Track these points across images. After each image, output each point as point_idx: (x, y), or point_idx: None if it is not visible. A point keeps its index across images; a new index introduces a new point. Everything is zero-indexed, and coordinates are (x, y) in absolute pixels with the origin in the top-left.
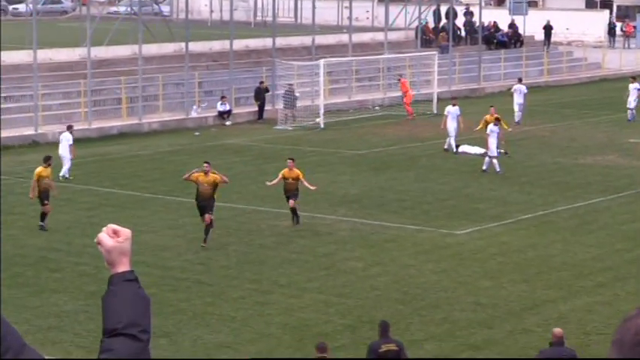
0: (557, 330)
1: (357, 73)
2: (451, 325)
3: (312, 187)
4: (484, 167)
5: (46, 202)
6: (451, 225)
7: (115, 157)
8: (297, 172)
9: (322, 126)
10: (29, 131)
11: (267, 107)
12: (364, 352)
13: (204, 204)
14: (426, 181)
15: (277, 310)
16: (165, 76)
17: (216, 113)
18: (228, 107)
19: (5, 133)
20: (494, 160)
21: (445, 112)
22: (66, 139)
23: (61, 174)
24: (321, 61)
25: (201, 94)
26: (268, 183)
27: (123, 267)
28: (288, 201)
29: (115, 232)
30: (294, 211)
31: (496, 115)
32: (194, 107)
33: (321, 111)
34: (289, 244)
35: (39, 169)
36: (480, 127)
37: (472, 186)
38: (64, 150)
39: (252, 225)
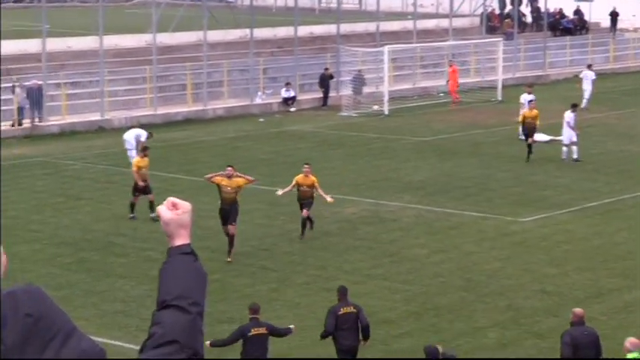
0: (578, 310)
1: (422, 60)
2: (515, 312)
3: (328, 199)
4: (563, 157)
5: (137, 193)
6: (516, 212)
7: (180, 143)
8: (312, 178)
9: (386, 112)
10: (95, 117)
11: (332, 94)
12: (429, 339)
13: (228, 210)
14: (490, 168)
15: None
16: (230, 63)
17: (280, 99)
18: (292, 93)
19: (72, 119)
20: (573, 147)
21: (521, 100)
22: (137, 132)
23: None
24: (386, 48)
25: (266, 81)
26: (279, 192)
27: (180, 240)
28: (301, 210)
29: (174, 205)
30: (308, 219)
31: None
32: (259, 93)
33: (386, 97)
34: (354, 230)
35: (137, 160)
36: (519, 119)
37: (537, 173)
38: (130, 137)
39: (316, 211)
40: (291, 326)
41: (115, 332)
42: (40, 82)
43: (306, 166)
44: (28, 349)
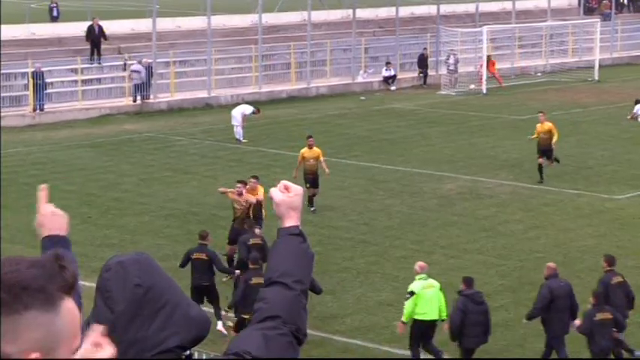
0: (552, 264)
1: (520, 40)
2: None
3: (327, 171)
4: None
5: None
6: (611, 190)
7: (284, 120)
8: (317, 151)
9: (485, 91)
10: (203, 94)
11: (431, 73)
12: (525, 312)
13: (237, 228)
14: (587, 146)
15: (438, 271)
16: (333, 42)
17: (381, 78)
18: (393, 72)
19: (180, 96)
20: None
21: (635, 111)
22: (244, 108)
23: (240, 138)
24: (485, 28)
25: (368, 60)
26: (294, 174)
27: (290, 221)
28: (308, 187)
29: (287, 188)
30: (313, 197)
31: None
32: (360, 72)
33: (484, 77)
34: (451, 206)
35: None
36: (534, 136)
37: (633, 152)
38: (237, 113)
39: (414, 187)
40: (237, 271)
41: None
42: (150, 61)
43: (310, 138)
44: (138, 317)
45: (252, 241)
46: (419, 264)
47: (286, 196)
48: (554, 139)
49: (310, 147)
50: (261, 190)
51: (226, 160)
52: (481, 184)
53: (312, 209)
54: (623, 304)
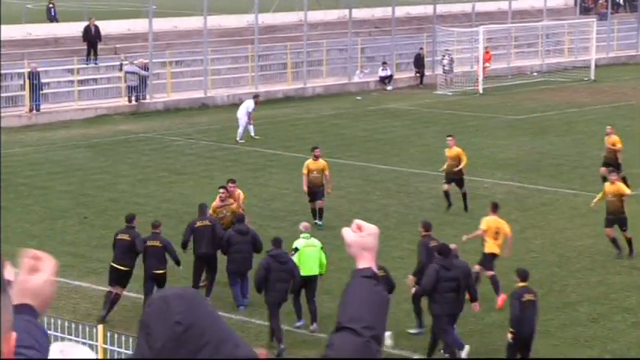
0: (453, 245)
1: (516, 40)
2: (606, 287)
3: (329, 189)
4: None
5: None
6: None
7: (280, 120)
8: (323, 163)
9: (481, 91)
10: (199, 94)
11: (427, 72)
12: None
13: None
14: (583, 146)
15: None
16: (329, 42)
17: (377, 78)
18: (389, 72)
19: (176, 96)
20: None
21: None
22: (246, 106)
23: (237, 138)
24: (481, 28)
25: (364, 60)
26: (305, 188)
27: (363, 262)
28: (313, 201)
29: (359, 227)
30: (320, 211)
31: None
32: (357, 72)
33: (480, 77)
34: (448, 206)
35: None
36: (444, 168)
37: (629, 151)
38: (241, 113)
39: (410, 187)
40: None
41: (216, 302)
42: (146, 61)
43: (316, 149)
44: (176, 356)
45: (198, 224)
46: (303, 224)
47: (358, 236)
48: (462, 164)
49: (316, 158)
50: (240, 193)
51: (222, 160)
52: (477, 184)
53: (316, 222)
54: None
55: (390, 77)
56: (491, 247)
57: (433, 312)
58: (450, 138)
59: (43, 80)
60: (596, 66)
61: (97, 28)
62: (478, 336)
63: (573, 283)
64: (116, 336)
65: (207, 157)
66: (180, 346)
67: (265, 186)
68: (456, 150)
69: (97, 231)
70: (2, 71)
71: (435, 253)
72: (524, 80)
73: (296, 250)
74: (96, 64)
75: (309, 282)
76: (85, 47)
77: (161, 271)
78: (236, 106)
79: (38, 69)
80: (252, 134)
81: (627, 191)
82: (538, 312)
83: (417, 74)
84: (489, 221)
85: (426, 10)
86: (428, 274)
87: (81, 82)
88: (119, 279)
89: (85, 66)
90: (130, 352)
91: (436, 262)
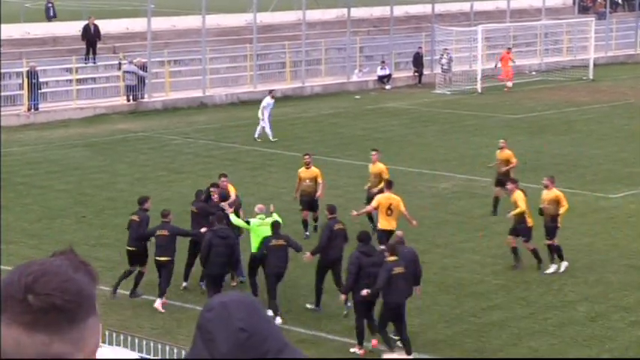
0: (399, 232)
1: (515, 39)
2: (604, 286)
3: (319, 192)
4: None
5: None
6: (606, 189)
7: (279, 119)
8: (315, 171)
9: (480, 90)
10: (197, 93)
11: (426, 72)
12: (518, 312)
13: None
14: (582, 145)
15: (433, 269)
16: (328, 41)
17: (376, 77)
18: (388, 71)
19: (175, 95)
20: None
21: None
22: (263, 105)
23: (255, 135)
24: (479, 27)
25: (362, 59)
26: (295, 195)
27: None
28: (305, 211)
29: None
30: (314, 220)
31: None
32: (355, 71)
33: (479, 76)
34: (446, 205)
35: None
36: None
37: (628, 150)
38: (261, 113)
39: (409, 186)
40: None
41: None
42: (144, 61)
43: (306, 156)
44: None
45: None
46: (258, 206)
47: None
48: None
49: (307, 166)
50: (232, 189)
51: (221, 159)
52: (476, 183)
53: (305, 234)
54: (342, 246)
55: (388, 76)
56: (384, 224)
57: (354, 299)
58: (374, 152)
59: (41, 79)
60: (594, 65)
61: (96, 27)
62: (423, 334)
63: (571, 282)
64: (114, 335)
65: (205, 155)
66: (244, 353)
67: (264, 185)
68: (379, 166)
69: (96, 230)
70: (1, 70)
71: (360, 244)
72: (523, 79)
73: (248, 222)
74: (94, 63)
75: (256, 260)
76: (84, 46)
77: (164, 259)
78: (234, 105)
79: (37, 68)
80: (270, 137)
81: (522, 207)
82: (410, 284)
83: (416, 73)
84: (381, 198)
85: (425, 9)
86: (351, 262)
87: (79, 82)
88: (134, 259)
89: (83, 65)
90: (127, 350)
91: (358, 248)
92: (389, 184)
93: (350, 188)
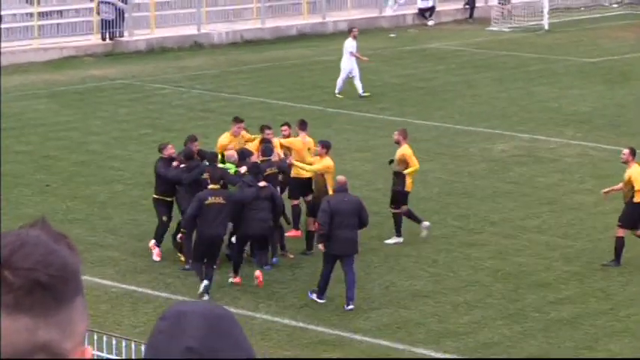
0: (341, 177)
1: None
2: None
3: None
4: None
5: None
6: None
7: (293, 64)
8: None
9: (547, 27)
10: (191, 31)
11: (479, 3)
12: (594, 306)
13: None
14: None
15: (487, 253)
16: None
17: (416, 10)
18: (431, 3)
19: (162, 33)
20: None
21: None
22: (350, 47)
23: (335, 91)
24: None
25: None
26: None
27: None
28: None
29: None
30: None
31: None
32: (389, 3)
33: (546, 9)
34: (504, 172)
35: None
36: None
37: None
38: (345, 62)
39: (458, 149)
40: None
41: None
42: None
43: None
44: None
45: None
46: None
47: None
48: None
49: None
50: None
51: (220, 113)
52: (542, 145)
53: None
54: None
55: (431, 9)
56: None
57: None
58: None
59: None
60: None
61: None
62: (474, 334)
63: None
64: (86, 334)
65: (200, 109)
66: None
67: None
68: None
69: (63, 202)
70: None
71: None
72: (600, 13)
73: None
74: None
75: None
76: None
77: (170, 198)
78: (236, 44)
79: None
80: (361, 92)
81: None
82: (226, 217)
83: (466, 6)
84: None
85: None
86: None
87: (42, 15)
88: (162, 208)
89: None
90: (103, 353)
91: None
92: (324, 146)
93: (381, 150)
